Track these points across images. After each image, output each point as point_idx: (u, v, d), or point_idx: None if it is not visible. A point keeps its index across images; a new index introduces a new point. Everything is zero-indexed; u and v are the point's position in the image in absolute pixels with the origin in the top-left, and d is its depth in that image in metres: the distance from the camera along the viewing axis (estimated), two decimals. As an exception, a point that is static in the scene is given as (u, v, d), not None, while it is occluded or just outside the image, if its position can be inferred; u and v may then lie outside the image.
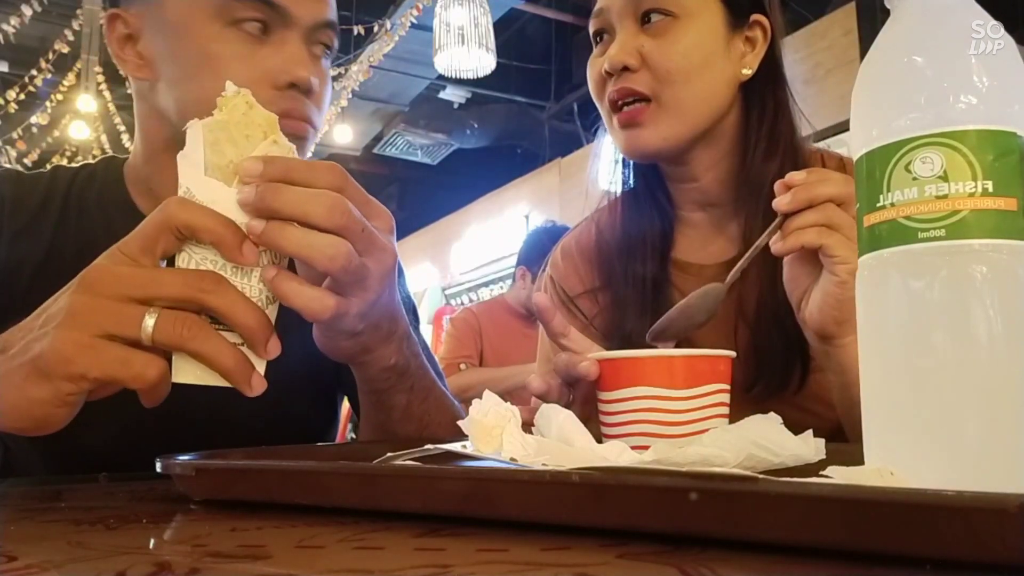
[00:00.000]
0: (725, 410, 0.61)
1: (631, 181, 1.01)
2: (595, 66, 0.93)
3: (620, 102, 0.88)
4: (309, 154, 0.85)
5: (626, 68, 0.87)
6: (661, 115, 0.87)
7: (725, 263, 0.92)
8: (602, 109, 0.94)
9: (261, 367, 0.56)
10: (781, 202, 0.66)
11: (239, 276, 0.55)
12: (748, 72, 0.90)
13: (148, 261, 0.53)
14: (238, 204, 0.54)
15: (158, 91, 0.81)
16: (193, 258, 0.55)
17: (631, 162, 1.00)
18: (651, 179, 0.98)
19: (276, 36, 0.77)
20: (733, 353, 0.62)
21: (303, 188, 0.54)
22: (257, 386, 0.54)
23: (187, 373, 0.55)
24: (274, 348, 0.55)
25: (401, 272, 1.02)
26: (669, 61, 0.86)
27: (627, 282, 0.94)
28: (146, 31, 0.80)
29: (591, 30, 0.94)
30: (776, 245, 0.68)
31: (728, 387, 0.61)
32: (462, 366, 2.61)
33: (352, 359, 0.70)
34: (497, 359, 2.64)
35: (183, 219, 0.52)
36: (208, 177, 0.55)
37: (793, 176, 0.67)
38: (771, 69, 0.92)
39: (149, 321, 0.50)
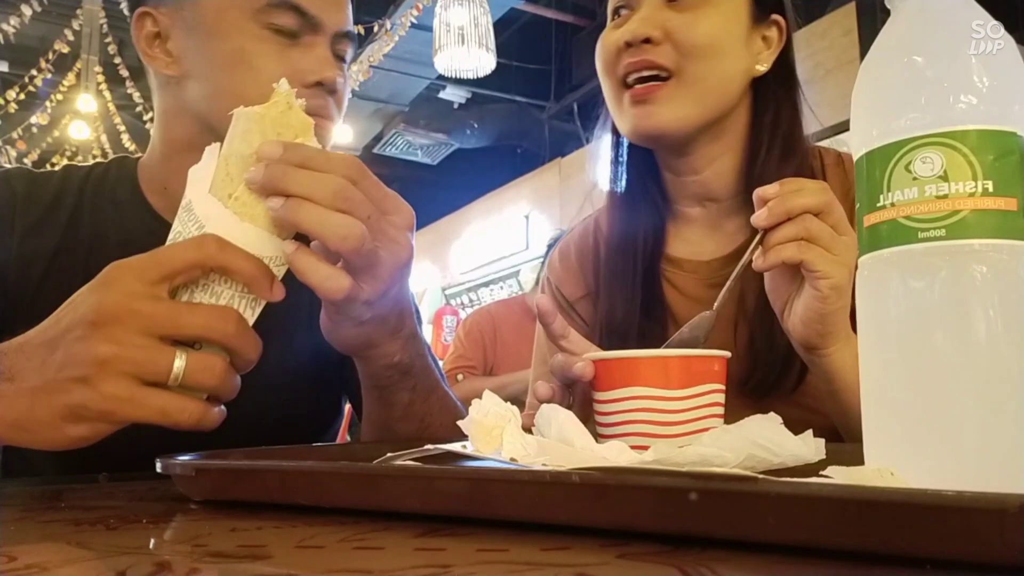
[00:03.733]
0: (720, 410, 0.60)
1: (624, 178, 1.00)
2: (609, 38, 0.90)
3: (634, 77, 0.86)
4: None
5: (647, 40, 0.85)
6: (678, 93, 0.86)
7: (720, 259, 0.92)
8: (610, 85, 0.91)
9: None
10: (759, 218, 0.66)
11: (227, 283, 0.58)
12: (762, 68, 0.89)
13: (162, 291, 0.55)
14: (246, 182, 0.56)
15: (186, 88, 0.83)
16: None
17: (625, 159, 0.99)
18: (646, 174, 0.97)
19: (305, 40, 0.82)
20: (728, 353, 0.62)
21: (311, 171, 0.56)
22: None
23: None
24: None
25: None
26: (695, 35, 0.85)
27: (619, 279, 0.93)
28: (176, 29, 0.82)
29: (610, 6, 0.92)
30: (757, 262, 0.67)
31: (723, 387, 0.61)
32: (459, 377, 2.60)
33: (356, 351, 0.70)
34: (510, 358, 2.61)
35: (221, 261, 0.55)
36: (210, 195, 0.58)
37: (766, 189, 0.66)
38: (785, 70, 0.91)
39: (179, 365, 0.54)
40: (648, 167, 0.97)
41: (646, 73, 0.86)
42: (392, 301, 0.65)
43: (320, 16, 0.82)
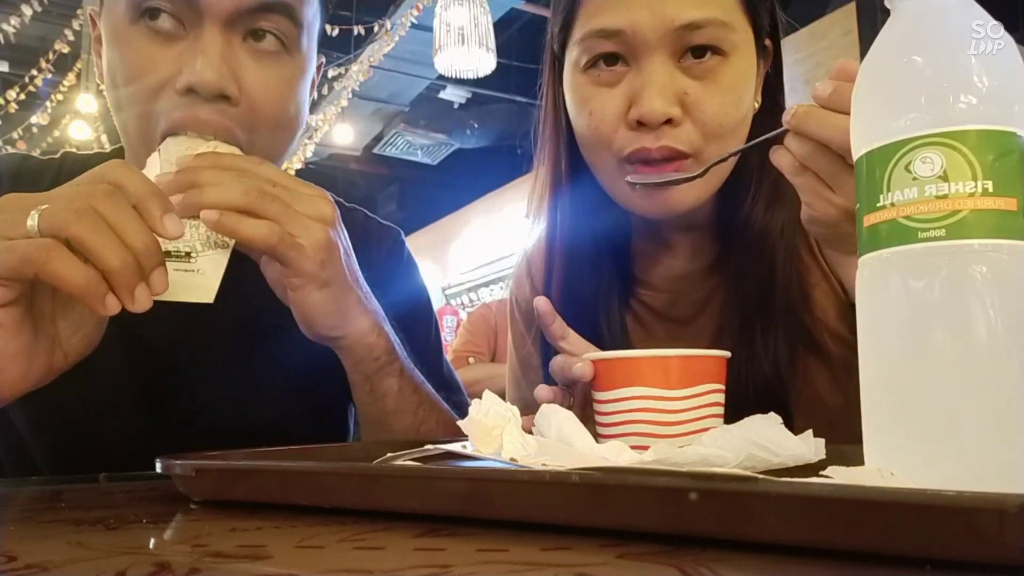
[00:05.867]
0: (720, 410, 0.61)
1: (579, 215, 0.87)
2: (604, 104, 0.74)
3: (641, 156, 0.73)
4: (281, 164, 0.81)
5: (668, 120, 0.71)
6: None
7: (698, 271, 0.87)
8: (605, 160, 0.76)
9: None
10: (822, 91, 0.54)
11: (189, 227, 0.64)
12: (757, 105, 0.80)
13: None
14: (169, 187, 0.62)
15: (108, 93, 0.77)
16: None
17: (569, 188, 0.86)
18: (598, 202, 0.84)
19: (192, 32, 0.69)
20: (727, 353, 0.62)
21: (223, 185, 0.62)
22: (112, 306, 0.53)
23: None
24: (143, 297, 0.55)
25: (416, 270, 1.02)
26: (723, 114, 0.72)
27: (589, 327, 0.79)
28: (103, 35, 0.76)
29: (593, 51, 0.74)
30: (774, 155, 0.60)
31: (723, 387, 0.61)
32: (471, 360, 2.68)
33: (333, 327, 0.70)
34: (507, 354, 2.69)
35: (114, 176, 0.56)
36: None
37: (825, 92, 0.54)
38: (774, 102, 0.81)
39: (34, 215, 0.52)
40: (607, 199, 0.83)
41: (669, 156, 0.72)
42: (341, 264, 0.67)
43: None
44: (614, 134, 0.74)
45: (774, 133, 0.60)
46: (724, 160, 0.71)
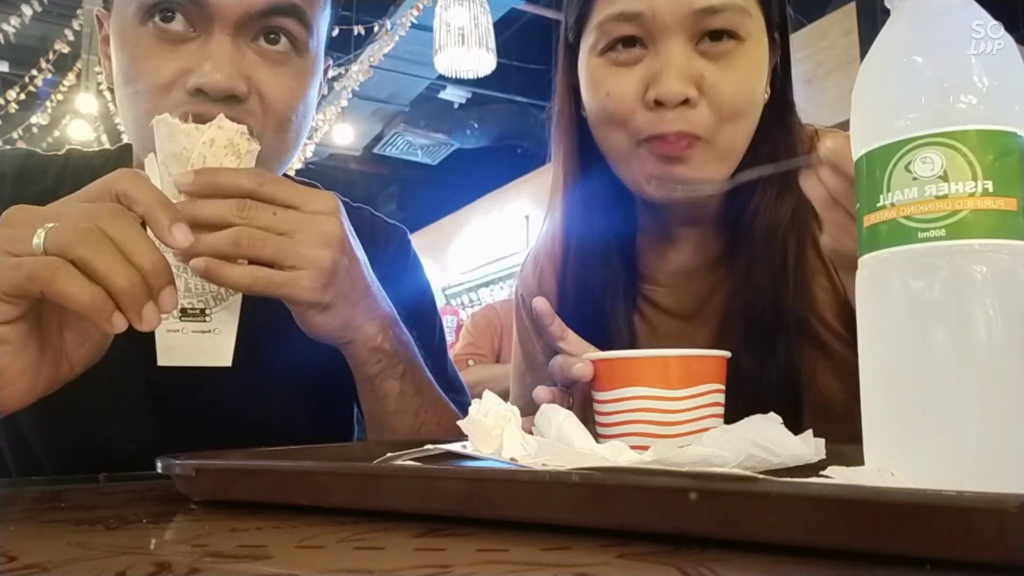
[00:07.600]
0: (720, 410, 0.61)
1: (592, 211, 0.88)
2: (621, 85, 0.75)
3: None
4: (286, 165, 0.80)
5: (684, 101, 0.73)
6: (710, 155, 0.75)
7: (705, 265, 0.87)
8: (619, 140, 0.77)
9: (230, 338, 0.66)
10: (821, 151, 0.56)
11: (195, 277, 0.64)
12: (767, 96, 0.80)
13: None
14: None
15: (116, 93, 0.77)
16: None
17: (581, 182, 0.87)
18: (608, 197, 0.86)
19: (202, 35, 0.70)
20: (728, 353, 0.62)
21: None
22: (119, 324, 0.53)
23: (169, 356, 0.63)
24: (151, 315, 0.54)
25: (421, 269, 1.02)
26: (738, 96, 0.74)
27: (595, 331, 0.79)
28: (111, 35, 0.76)
29: (612, 34, 0.76)
30: (807, 183, 0.60)
31: (723, 387, 0.61)
32: (470, 362, 2.69)
33: (338, 336, 0.71)
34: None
35: (122, 187, 0.55)
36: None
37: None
38: (783, 94, 0.82)
39: (40, 233, 0.51)
40: (616, 194, 0.85)
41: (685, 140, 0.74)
42: (348, 281, 0.67)
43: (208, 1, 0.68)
44: (632, 115, 0.76)
45: (799, 160, 0.60)
46: (748, 180, 0.71)
